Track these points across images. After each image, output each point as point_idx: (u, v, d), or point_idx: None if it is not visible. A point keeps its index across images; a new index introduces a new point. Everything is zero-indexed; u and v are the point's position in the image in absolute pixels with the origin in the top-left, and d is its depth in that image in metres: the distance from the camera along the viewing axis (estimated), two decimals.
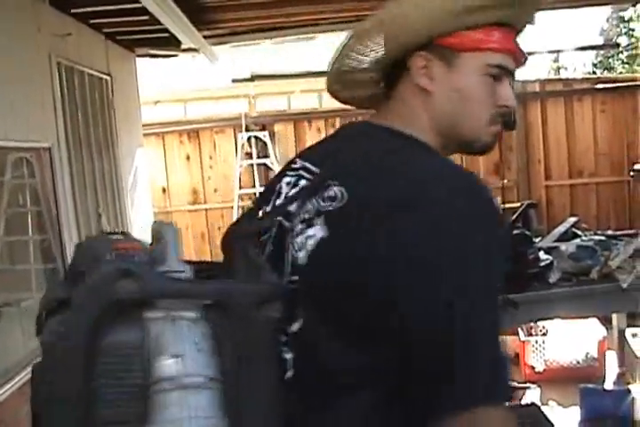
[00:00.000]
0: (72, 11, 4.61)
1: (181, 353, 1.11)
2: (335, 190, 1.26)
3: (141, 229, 5.94)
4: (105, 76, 5.22)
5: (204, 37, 5.48)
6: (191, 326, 1.13)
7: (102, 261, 1.18)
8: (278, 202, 1.39)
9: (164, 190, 9.37)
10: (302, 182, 1.38)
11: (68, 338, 1.11)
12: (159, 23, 4.64)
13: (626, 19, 17.61)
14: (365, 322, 1.18)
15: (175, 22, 4.61)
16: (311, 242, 1.26)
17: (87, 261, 1.21)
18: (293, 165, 1.44)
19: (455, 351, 1.14)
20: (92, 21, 4.98)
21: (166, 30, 4.89)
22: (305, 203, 1.30)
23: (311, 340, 1.20)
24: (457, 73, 1.36)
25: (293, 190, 1.38)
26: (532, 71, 11.21)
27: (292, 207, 1.33)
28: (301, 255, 1.26)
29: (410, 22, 1.34)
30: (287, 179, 1.42)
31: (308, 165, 1.40)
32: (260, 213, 1.43)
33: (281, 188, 1.42)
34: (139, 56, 6.31)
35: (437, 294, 1.16)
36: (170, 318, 1.13)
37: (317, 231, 1.25)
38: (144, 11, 4.31)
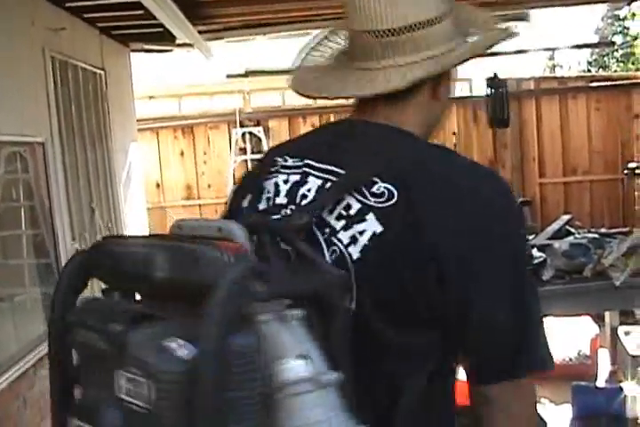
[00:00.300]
0: (66, 5, 4.59)
1: (307, 353, 1.09)
2: (382, 188, 1.28)
3: (135, 223, 5.93)
4: (99, 71, 5.21)
5: (199, 33, 5.46)
6: (301, 325, 1.11)
7: (226, 263, 1.08)
8: (279, 200, 1.38)
9: (157, 185, 9.36)
10: (314, 180, 1.37)
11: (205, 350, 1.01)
12: (154, 18, 4.62)
13: (621, 17, 17.62)
14: (429, 310, 1.26)
15: (170, 17, 4.60)
16: (364, 237, 1.26)
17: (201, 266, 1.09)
18: (282, 163, 1.44)
19: (527, 329, 1.33)
20: (86, 16, 4.96)
21: (161, 25, 4.87)
22: (341, 199, 1.29)
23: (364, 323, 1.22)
24: (449, 85, 1.51)
25: (305, 187, 1.37)
26: (527, 69, 11.21)
27: (315, 203, 1.32)
28: (352, 250, 1.27)
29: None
30: (283, 176, 1.41)
31: (310, 162, 1.40)
32: (253, 208, 1.41)
33: (278, 185, 1.40)
34: (133, 51, 6.29)
35: (508, 281, 1.31)
36: (279, 318, 1.09)
37: (369, 226, 1.27)
38: (139, 5, 4.30)
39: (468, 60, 1.47)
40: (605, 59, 18.97)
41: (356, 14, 1.43)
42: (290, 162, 1.43)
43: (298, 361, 1.07)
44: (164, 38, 5.59)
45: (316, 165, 1.38)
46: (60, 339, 1.23)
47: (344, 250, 1.27)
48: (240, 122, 9.07)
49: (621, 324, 5.39)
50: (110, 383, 1.08)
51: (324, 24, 5.98)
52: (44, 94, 4.16)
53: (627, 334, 5.24)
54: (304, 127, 9.35)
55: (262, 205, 1.40)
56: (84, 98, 4.87)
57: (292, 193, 1.37)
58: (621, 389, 4.75)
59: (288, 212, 1.35)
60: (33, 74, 4.06)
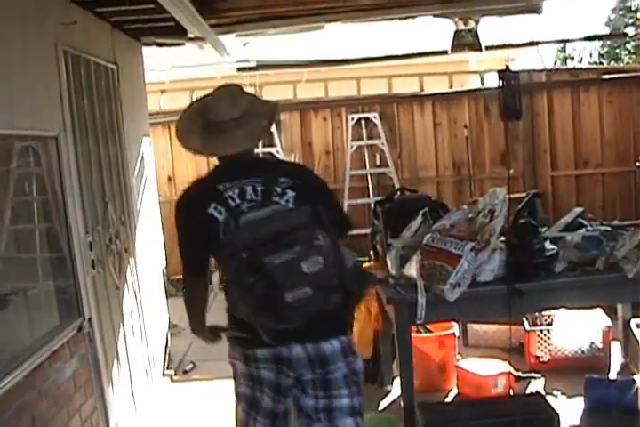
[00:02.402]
0: None
1: None
2: (284, 179, 3.08)
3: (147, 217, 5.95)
4: (111, 65, 5.22)
5: (211, 26, 5.47)
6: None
7: None
8: (245, 198, 3.02)
9: (169, 179, 9.40)
10: (257, 185, 3.04)
11: None
12: (165, 12, 4.63)
13: (633, 8, 17.52)
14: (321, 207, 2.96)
15: (182, 11, 4.60)
16: (290, 196, 3.05)
17: None
18: (225, 185, 3.06)
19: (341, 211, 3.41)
20: (98, 10, 4.97)
21: (173, 19, 4.87)
22: (274, 186, 3.04)
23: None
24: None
25: (249, 190, 3.03)
26: (538, 61, 11.16)
27: (262, 193, 3.04)
28: (289, 202, 3.05)
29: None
30: (229, 192, 3.02)
31: (230, 182, 3.06)
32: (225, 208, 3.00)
33: (229, 196, 3.02)
34: (145, 45, 6.30)
35: (337, 199, 3.44)
36: None
37: (290, 193, 3.05)
38: None
39: (269, 128, 3.42)
40: (617, 51, 18.88)
41: (213, 111, 3.12)
42: (228, 184, 3.04)
43: None
44: (176, 32, 5.59)
45: (244, 180, 3.05)
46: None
47: (283, 202, 3.04)
48: None
49: (634, 316, 5.38)
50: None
51: (335, 17, 5.98)
52: (56, 88, 4.18)
53: (639, 326, 5.24)
54: (315, 120, 9.37)
55: (234, 204, 3.00)
56: (97, 92, 4.89)
57: (242, 196, 3.02)
58: (634, 381, 4.75)
59: (253, 202, 3.01)
60: (45, 68, 4.07)
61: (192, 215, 3.11)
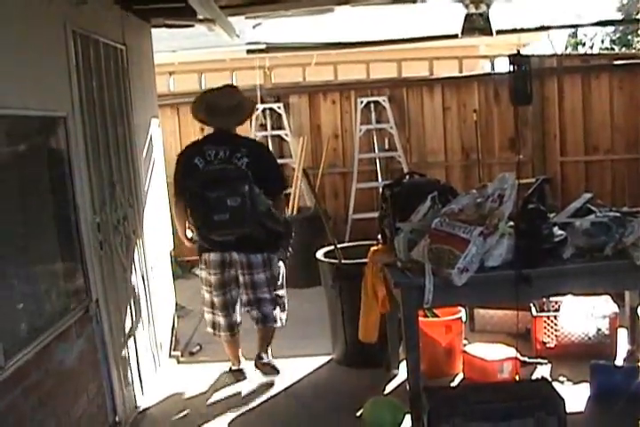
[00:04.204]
0: None
1: None
2: (243, 149, 5.15)
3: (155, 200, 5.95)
4: (120, 46, 5.20)
5: (221, 8, 5.44)
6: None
7: None
8: (217, 157, 5.13)
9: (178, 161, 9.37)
10: (227, 150, 5.14)
11: None
12: None
13: None
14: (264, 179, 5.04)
15: None
16: (244, 161, 5.08)
17: None
18: (207, 148, 5.19)
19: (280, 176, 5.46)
20: None
21: (182, 0, 4.85)
22: (236, 153, 5.11)
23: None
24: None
25: (221, 153, 5.14)
26: (549, 46, 11.12)
27: (228, 156, 5.12)
28: (243, 164, 5.06)
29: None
30: (209, 151, 5.15)
31: (211, 146, 5.18)
32: (204, 160, 5.14)
33: (208, 154, 5.15)
34: (154, 26, 6.27)
35: (278, 167, 5.54)
36: None
37: (245, 159, 5.08)
38: None
39: (249, 117, 5.68)
40: (629, 37, 18.76)
41: (218, 100, 5.29)
42: (209, 147, 5.18)
43: None
44: (186, 14, 5.56)
45: (220, 146, 5.15)
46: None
47: (242, 166, 5.03)
48: (260, 98, 9.07)
49: None
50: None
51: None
52: (65, 69, 4.16)
53: None
54: (324, 103, 9.36)
55: (209, 159, 5.13)
56: (106, 73, 4.87)
57: (216, 155, 5.13)
58: None
59: (220, 160, 5.10)
60: (54, 48, 4.06)
61: (185, 162, 5.27)
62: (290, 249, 5.49)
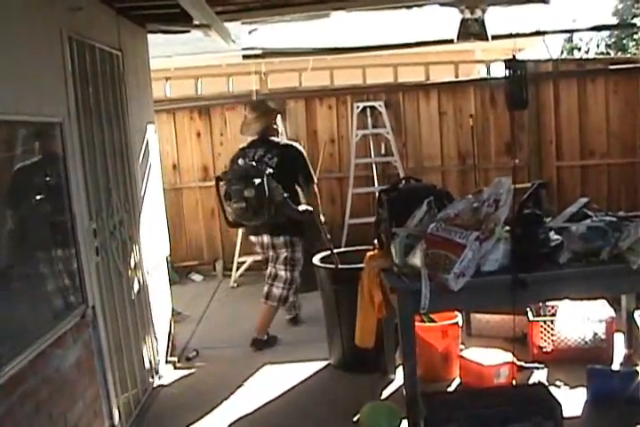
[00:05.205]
0: None
1: None
2: (275, 151, 6.36)
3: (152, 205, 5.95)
4: (116, 52, 5.20)
5: (217, 13, 5.44)
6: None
7: None
8: (254, 157, 6.34)
9: (174, 167, 9.40)
10: (260, 151, 6.37)
11: None
12: None
13: None
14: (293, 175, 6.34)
15: None
16: (275, 161, 6.26)
17: None
18: (249, 149, 6.45)
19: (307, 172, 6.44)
20: None
21: (178, 6, 4.85)
22: (268, 154, 6.33)
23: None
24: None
25: (257, 154, 6.36)
26: (545, 51, 11.14)
27: (261, 156, 6.34)
28: (274, 163, 6.22)
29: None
30: (249, 153, 6.40)
31: (251, 149, 6.45)
32: (245, 160, 6.34)
33: (248, 155, 6.38)
34: (150, 32, 6.28)
35: (306, 166, 6.44)
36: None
37: (275, 159, 6.28)
38: None
39: (273, 123, 6.61)
40: (624, 41, 18.82)
41: (247, 113, 6.75)
42: (249, 149, 6.46)
43: None
44: (181, 19, 5.57)
45: (256, 148, 6.41)
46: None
47: (272, 165, 6.18)
48: None
49: (637, 307, 5.40)
50: None
51: (341, 5, 5.97)
52: (61, 74, 4.16)
53: None
54: (321, 109, 9.36)
55: (247, 159, 6.31)
56: (102, 79, 4.87)
57: (252, 156, 6.36)
58: (636, 372, 4.76)
59: (254, 160, 6.28)
60: (50, 54, 4.06)
61: (232, 161, 6.52)
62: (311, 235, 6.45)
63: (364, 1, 6.00)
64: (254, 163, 6.12)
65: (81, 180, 4.30)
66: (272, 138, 6.47)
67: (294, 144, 6.59)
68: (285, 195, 5.96)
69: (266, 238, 6.36)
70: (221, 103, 9.34)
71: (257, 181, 5.77)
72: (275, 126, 6.57)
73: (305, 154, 6.51)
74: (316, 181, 6.54)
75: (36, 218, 3.86)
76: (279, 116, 6.78)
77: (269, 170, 5.96)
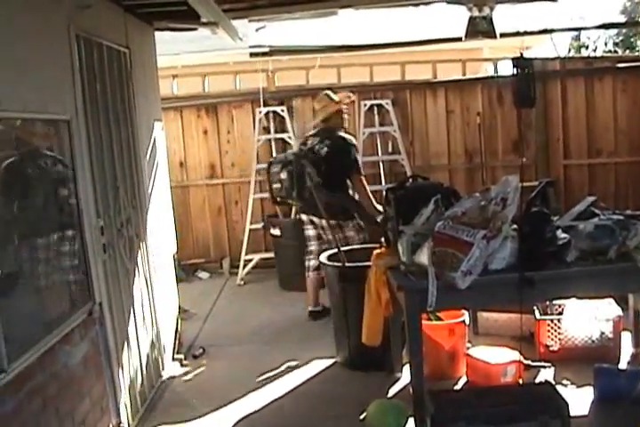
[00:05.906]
0: None
1: None
2: (327, 141, 6.90)
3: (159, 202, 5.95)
4: (123, 49, 5.21)
5: (224, 11, 5.44)
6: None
7: None
8: (310, 145, 7.00)
9: (181, 164, 9.41)
10: (314, 140, 7.01)
11: None
12: None
13: None
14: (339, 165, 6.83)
15: None
16: (325, 150, 6.85)
17: None
18: (308, 138, 7.13)
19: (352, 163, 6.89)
20: None
21: (185, 3, 4.85)
22: (320, 143, 6.91)
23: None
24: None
25: (313, 142, 6.98)
26: (552, 49, 11.11)
27: (314, 144, 6.98)
28: (323, 151, 6.86)
29: None
30: (307, 141, 7.10)
31: (311, 138, 7.10)
32: (300, 147, 7.20)
33: (307, 143, 7.08)
34: (157, 30, 6.28)
35: (351, 155, 6.85)
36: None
37: (325, 148, 6.85)
38: None
39: (330, 116, 7.09)
40: (632, 39, 18.77)
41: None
42: (312, 138, 7.08)
43: None
44: (189, 17, 5.57)
45: (315, 138, 7.06)
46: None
47: (322, 153, 6.83)
48: (264, 101, 9.08)
49: None
50: None
51: (349, 2, 5.96)
52: (68, 72, 4.17)
53: None
54: None
55: (308, 146, 7.02)
56: (109, 76, 4.88)
57: (311, 144, 7.02)
58: None
59: (310, 147, 7.00)
60: (57, 51, 4.06)
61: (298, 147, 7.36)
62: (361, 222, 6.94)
63: None
64: (300, 150, 6.96)
65: (88, 177, 4.30)
66: (331, 128, 6.98)
67: (347, 137, 6.99)
68: (318, 180, 6.42)
69: (315, 219, 6.90)
70: (228, 101, 9.35)
71: (293, 166, 6.39)
72: (336, 118, 7.01)
73: (355, 148, 6.96)
74: (362, 175, 6.93)
75: (42, 215, 3.86)
76: (344, 107, 7.11)
77: (307, 158, 6.58)
